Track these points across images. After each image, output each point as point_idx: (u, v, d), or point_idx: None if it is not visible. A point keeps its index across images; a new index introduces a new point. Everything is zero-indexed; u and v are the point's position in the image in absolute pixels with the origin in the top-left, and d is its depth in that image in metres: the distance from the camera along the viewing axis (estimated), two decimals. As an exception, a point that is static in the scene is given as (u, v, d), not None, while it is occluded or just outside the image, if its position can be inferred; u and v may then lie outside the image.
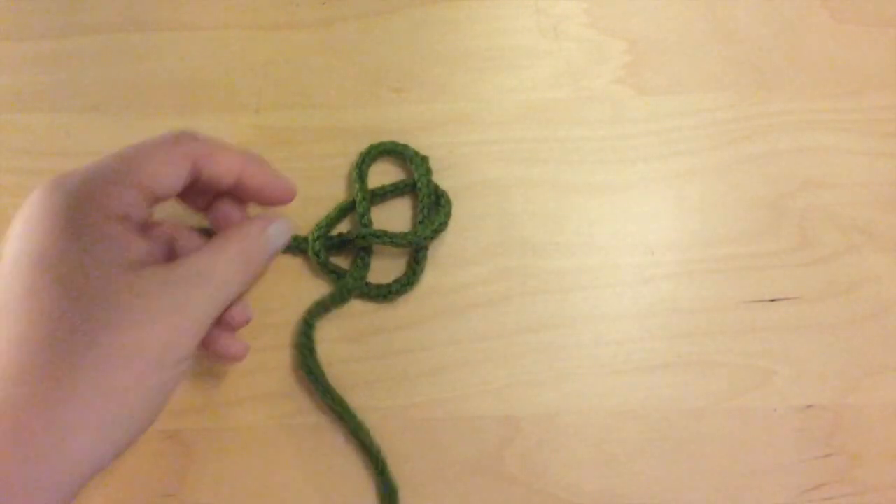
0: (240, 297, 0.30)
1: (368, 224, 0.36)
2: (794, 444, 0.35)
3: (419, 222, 0.37)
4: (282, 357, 0.35)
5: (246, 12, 0.42)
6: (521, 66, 0.41)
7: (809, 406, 0.35)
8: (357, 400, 0.35)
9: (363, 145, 0.38)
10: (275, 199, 0.32)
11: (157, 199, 0.28)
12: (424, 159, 0.37)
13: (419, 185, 0.37)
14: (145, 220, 0.28)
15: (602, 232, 0.38)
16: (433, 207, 0.37)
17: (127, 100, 0.40)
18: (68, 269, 0.24)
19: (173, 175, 0.28)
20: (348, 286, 0.35)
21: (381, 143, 0.37)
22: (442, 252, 0.37)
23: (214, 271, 0.27)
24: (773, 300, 0.37)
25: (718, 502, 0.34)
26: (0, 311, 0.24)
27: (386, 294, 0.36)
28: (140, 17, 0.41)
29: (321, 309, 0.35)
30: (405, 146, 0.38)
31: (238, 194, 0.31)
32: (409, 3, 0.42)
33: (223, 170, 0.29)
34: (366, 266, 0.36)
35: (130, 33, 0.41)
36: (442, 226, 0.36)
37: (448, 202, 0.37)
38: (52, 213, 0.25)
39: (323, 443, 0.34)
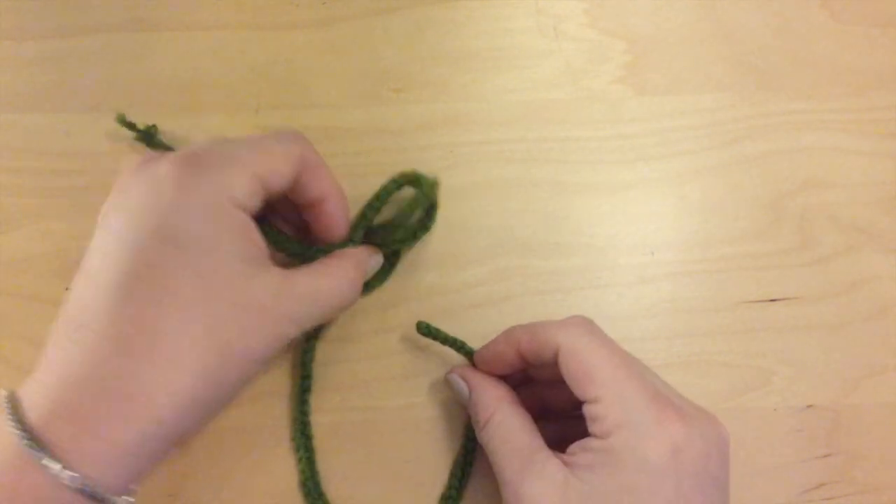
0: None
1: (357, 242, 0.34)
2: (794, 444, 0.35)
3: (396, 224, 0.35)
4: (282, 358, 0.35)
5: (246, 12, 0.42)
6: (521, 66, 0.41)
7: (809, 406, 0.35)
8: (357, 400, 0.35)
9: (363, 145, 0.38)
10: (331, 237, 0.33)
11: (268, 195, 0.29)
12: (436, 184, 0.34)
13: (419, 198, 0.34)
14: (256, 214, 0.29)
15: (602, 232, 0.38)
16: (419, 216, 0.35)
17: (127, 100, 0.40)
18: (189, 243, 0.26)
19: (286, 174, 0.29)
20: None
21: (403, 175, 0.34)
22: (442, 252, 0.37)
23: (320, 295, 0.29)
24: (773, 300, 0.37)
25: (718, 502, 0.34)
26: (98, 256, 0.26)
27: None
28: (140, 17, 0.41)
29: (313, 341, 0.34)
30: (420, 177, 0.34)
31: (314, 213, 0.33)
32: (409, 4, 0.42)
33: (317, 186, 0.31)
34: None
35: (130, 33, 0.41)
36: (421, 232, 0.35)
37: (434, 211, 0.35)
38: (181, 190, 0.26)
39: (323, 443, 0.34)
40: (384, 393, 0.35)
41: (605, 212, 0.38)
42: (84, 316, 0.26)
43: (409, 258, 0.37)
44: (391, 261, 0.36)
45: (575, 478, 0.27)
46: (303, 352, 0.35)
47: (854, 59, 0.41)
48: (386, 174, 0.34)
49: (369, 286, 0.35)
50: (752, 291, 0.37)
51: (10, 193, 0.38)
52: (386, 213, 0.35)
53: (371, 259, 0.34)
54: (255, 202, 0.28)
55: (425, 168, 0.34)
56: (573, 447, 0.28)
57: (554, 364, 0.29)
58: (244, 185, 0.27)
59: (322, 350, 0.35)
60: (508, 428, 0.29)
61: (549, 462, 0.27)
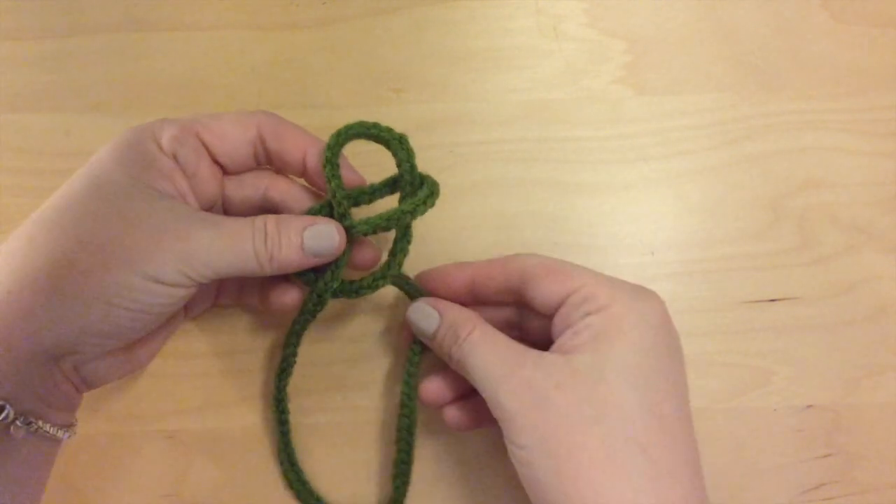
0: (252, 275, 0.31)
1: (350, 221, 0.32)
2: (794, 444, 0.35)
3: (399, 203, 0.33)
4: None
5: (246, 12, 0.42)
6: (521, 66, 0.41)
7: (809, 406, 0.35)
8: (357, 400, 0.35)
9: (363, 145, 0.37)
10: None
11: (218, 157, 0.31)
12: (403, 139, 0.32)
13: (401, 168, 0.32)
14: (195, 171, 0.31)
15: (602, 232, 0.38)
16: (416, 191, 0.33)
17: (127, 100, 0.40)
18: (107, 183, 0.28)
19: (236, 136, 0.31)
20: (318, 291, 0.32)
21: (349, 127, 0.32)
22: (442, 252, 0.37)
23: (228, 229, 0.29)
24: (773, 300, 0.37)
25: (718, 502, 0.34)
26: (52, 200, 0.29)
27: (357, 290, 0.32)
28: (140, 17, 0.41)
29: (299, 326, 0.33)
30: (378, 126, 0.32)
31: (309, 178, 0.33)
32: (409, 3, 0.42)
33: (290, 145, 0.32)
34: (338, 267, 0.32)
35: (130, 33, 0.41)
36: (424, 203, 0.31)
37: (433, 182, 0.33)
38: (116, 141, 0.30)
39: (322, 443, 0.34)
40: (385, 393, 0.35)
41: (605, 212, 0.38)
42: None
43: (410, 258, 0.37)
44: (391, 260, 0.33)
45: (575, 355, 0.27)
46: (286, 335, 0.34)
47: (854, 59, 0.41)
48: (386, 174, 0.34)
49: (367, 286, 0.32)
50: (752, 291, 0.37)
51: (10, 193, 0.38)
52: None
53: (315, 227, 0.31)
54: (188, 152, 0.30)
55: (425, 168, 0.34)
56: (559, 342, 0.29)
57: (511, 291, 0.31)
58: (173, 132, 0.30)
59: (323, 350, 0.35)
60: (493, 336, 0.29)
61: (543, 354, 0.28)
